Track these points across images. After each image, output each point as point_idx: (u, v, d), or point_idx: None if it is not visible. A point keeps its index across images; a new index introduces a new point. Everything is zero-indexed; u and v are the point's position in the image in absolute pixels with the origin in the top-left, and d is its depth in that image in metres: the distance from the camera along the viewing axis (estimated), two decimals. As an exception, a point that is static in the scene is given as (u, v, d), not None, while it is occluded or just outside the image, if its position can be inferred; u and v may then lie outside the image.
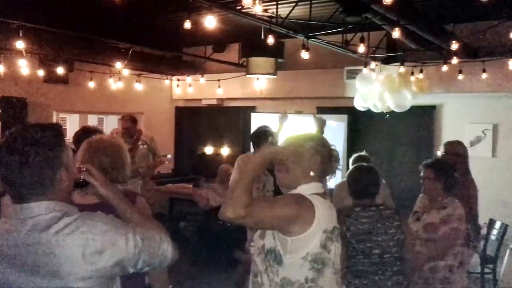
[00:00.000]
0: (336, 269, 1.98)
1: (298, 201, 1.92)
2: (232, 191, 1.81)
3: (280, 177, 2.06)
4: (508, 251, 4.37)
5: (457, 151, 4.13)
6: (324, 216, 1.93)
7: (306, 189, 1.98)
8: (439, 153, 4.36)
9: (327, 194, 2.16)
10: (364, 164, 3.25)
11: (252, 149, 5.12)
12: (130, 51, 6.31)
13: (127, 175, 2.31)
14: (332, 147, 2.11)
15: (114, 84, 7.22)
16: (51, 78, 7.32)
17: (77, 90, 8.00)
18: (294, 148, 2.02)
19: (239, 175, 1.95)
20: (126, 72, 6.72)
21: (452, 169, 3.36)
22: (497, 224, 5.74)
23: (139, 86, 7.37)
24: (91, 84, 7.22)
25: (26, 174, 1.44)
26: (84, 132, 3.47)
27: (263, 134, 4.38)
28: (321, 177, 2.07)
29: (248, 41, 6.69)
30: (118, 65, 6.33)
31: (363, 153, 4.71)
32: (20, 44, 4.93)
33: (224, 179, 6.36)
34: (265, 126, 4.57)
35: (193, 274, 5.77)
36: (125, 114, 5.90)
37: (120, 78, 7.10)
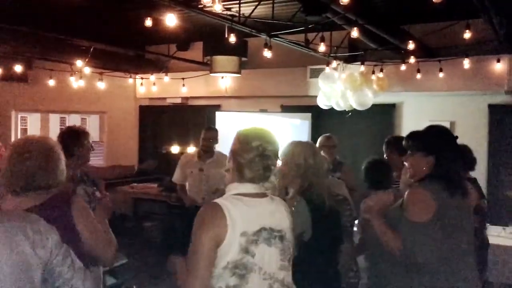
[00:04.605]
0: (269, 274, 1.85)
1: (205, 219, 1.83)
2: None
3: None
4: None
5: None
6: (243, 218, 1.82)
7: (229, 189, 1.94)
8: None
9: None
10: None
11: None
12: (91, 49, 6.19)
13: (61, 180, 2.12)
14: (265, 146, 1.92)
15: (75, 83, 7.09)
16: (9, 76, 7.14)
17: (37, 89, 7.82)
18: None
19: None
20: (87, 70, 6.60)
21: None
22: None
23: (101, 85, 7.25)
24: (51, 83, 7.07)
25: None
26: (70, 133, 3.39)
27: None
28: (257, 179, 1.92)
29: (212, 39, 6.69)
30: (79, 63, 6.21)
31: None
32: (-25, 41, 4.78)
33: None
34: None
35: (157, 274, 5.73)
36: (90, 112, 5.77)
37: (82, 76, 6.97)
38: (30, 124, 18.20)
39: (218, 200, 1.86)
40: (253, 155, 1.90)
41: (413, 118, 6.86)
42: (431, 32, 5.41)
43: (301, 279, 2.06)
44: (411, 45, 4.76)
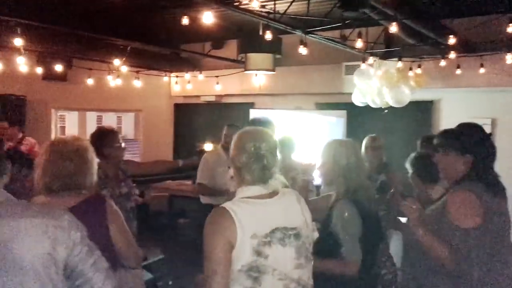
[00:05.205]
0: (284, 274, 1.83)
1: (214, 224, 1.81)
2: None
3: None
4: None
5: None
6: (251, 220, 1.80)
7: (237, 194, 1.93)
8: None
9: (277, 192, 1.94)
10: None
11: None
12: (129, 48, 6.30)
13: (94, 181, 2.19)
14: (258, 146, 1.90)
15: (113, 81, 7.23)
16: (49, 75, 7.34)
17: (75, 87, 8.00)
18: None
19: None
20: (124, 69, 6.72)
21: None
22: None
23: (137, 83, 7.37)
24: (90, 81, 7.22)
25: None
26: (102, 134, 3.45)
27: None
28: (258, 180, 1.90)
29: (246, 37, 6.69)
30: (117, 62, 6.33)
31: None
32: (18, 42, 4.92)
33: None
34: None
35: (192, 270, 5.78)
36: (126, 110, 5.88)
37: (119, 75, 7.10)
38: (67, 122, 18.67)
39: (225, 205, 1.84)
40: (247, 157, 1.90)
41: (452, 115, 6.67)
42: (472, 27, 5.25)
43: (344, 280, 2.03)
44: (451, 40, 4.61)
